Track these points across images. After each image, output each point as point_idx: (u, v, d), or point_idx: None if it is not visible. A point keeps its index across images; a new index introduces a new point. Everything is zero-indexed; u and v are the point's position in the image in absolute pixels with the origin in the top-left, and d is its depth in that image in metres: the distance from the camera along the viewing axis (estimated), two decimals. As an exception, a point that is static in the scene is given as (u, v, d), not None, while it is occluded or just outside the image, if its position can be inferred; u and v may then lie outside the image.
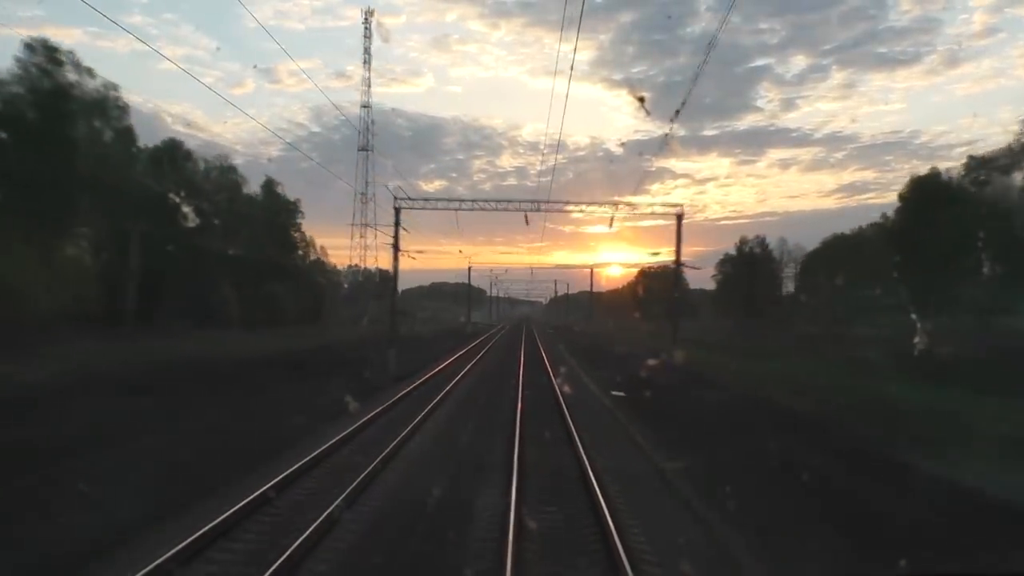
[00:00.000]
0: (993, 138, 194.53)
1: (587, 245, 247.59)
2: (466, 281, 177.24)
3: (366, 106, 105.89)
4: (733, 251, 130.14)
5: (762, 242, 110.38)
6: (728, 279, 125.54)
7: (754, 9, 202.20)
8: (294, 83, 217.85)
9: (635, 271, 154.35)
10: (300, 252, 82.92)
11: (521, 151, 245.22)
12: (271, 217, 69.00)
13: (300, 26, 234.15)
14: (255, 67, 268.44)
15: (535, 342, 55.62)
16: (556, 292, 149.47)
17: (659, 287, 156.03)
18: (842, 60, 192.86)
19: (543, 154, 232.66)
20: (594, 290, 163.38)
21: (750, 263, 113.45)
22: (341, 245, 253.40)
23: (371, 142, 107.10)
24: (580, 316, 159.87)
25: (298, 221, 77.61)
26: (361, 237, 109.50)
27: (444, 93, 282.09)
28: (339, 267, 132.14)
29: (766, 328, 75.00)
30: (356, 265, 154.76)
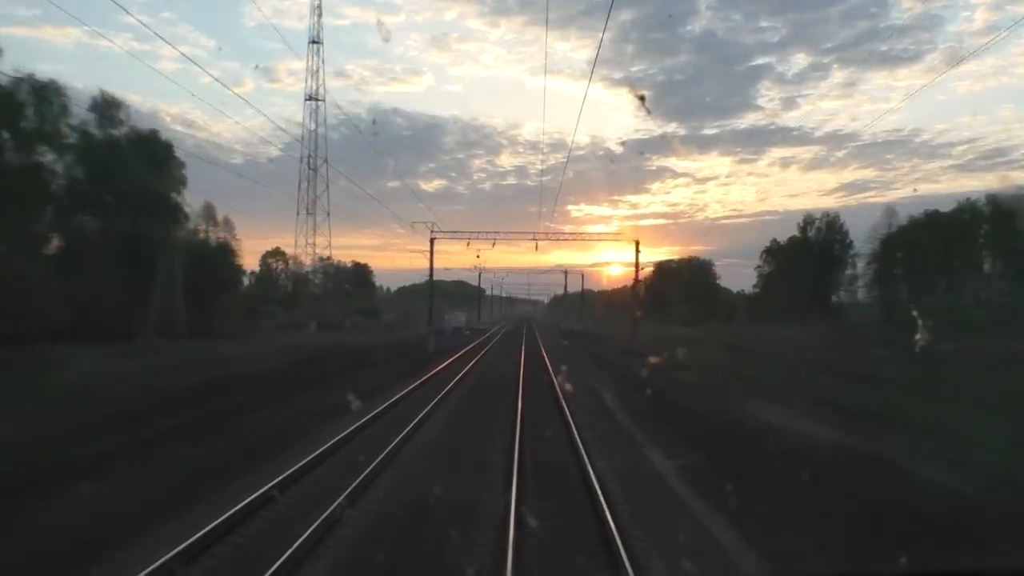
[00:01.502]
0: (993, 136, 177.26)
1: (587, 245, 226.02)
2: (467, 282, 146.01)
3: (316, 42, 76.78)
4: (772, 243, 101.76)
5: (832, 222, 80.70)
6: (777, 274, 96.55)
7: (755, 8, 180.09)
8: (293, 82, 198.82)
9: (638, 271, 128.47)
10: (201, 229, 53.84)
11: (521, 150, 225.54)
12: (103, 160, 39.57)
13: (299, 25, 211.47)
14: (256, 67, 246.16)
15: (556, 402, 19.83)
16: (566, 288, 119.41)
17: (673, 284, 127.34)
18: (843, 58, 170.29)
19: (543, 153, 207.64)
20: (588, 290, 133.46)
21: (815, 250, 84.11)
22: (341, 246, 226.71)
23: (322, 89, 77.85)
24: (579, 316, 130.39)
25: (176, 174, 48.37)
26: (309, 215, 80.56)
27: (443, 92, 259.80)
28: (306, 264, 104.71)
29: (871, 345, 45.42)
30: (328, 258, 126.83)
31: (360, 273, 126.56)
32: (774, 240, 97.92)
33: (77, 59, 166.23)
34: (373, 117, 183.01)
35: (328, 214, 79.03)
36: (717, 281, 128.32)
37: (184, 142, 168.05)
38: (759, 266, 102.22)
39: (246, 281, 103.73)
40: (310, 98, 75.66)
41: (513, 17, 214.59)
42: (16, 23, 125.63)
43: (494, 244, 44.33)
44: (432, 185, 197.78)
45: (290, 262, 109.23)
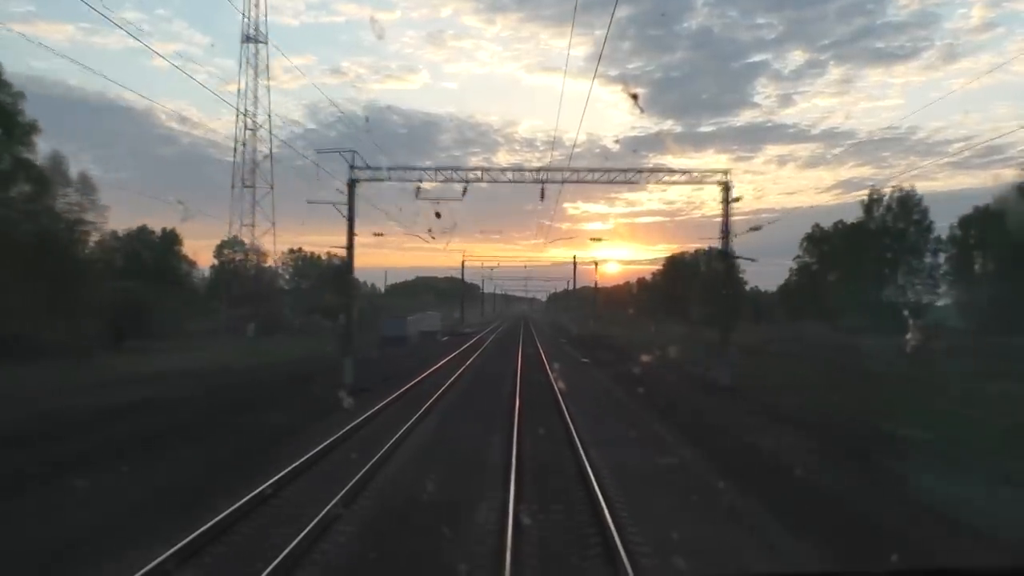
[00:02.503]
0: (988, 134, 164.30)
1: (585, 242, 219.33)
2: (463, 279, 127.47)
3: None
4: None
5: (907, 199, 61.94)
6: (823, 267, 78.64)
7: (751, 4, 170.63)
8: (289, 79, 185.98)
9: (636, 268, 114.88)
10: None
11: (517, 148, 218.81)
12: None
13: (294, 22, 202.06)
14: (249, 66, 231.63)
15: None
16: (575, 279, 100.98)
17: (688, 280, 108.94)
18: (840, 56, 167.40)
19: (540, 151, 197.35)
20: (587, 287, 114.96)
21: (880, 234, 66.06)
22: (337, 244, 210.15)
23: (264, 31, 59.43)
24: (582, 315, 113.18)
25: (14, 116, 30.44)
26: (246, 187, 62.28)
27: (439, 89, 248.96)
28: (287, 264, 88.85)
29: None
30: (299, 250, 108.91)
31: (338, 268, 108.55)
32: (816, 226, 79.80)
33: (71, 56, 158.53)
34: (367, 115, 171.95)
35: (271, 187, 60.85)
36: (741, 275, 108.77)
37: (180, 140, 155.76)
38: (798, 256, 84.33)
39: (198, 276, 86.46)
40: (248, 39, 57.53)
41: (509, 14, 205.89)
42: (10, 19, 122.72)
43: (465, 191, 26.13)
44: (429, 183, 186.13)
45: (248, 253, 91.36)
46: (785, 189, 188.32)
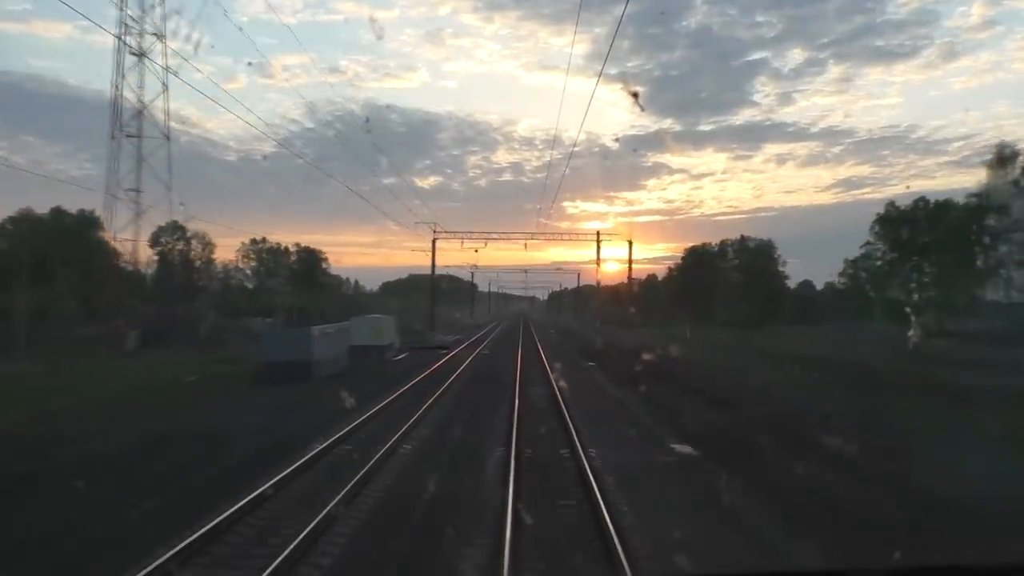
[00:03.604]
0: (988, 132, 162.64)
1: (581, 243, 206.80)
2: (459, 276, 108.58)
3: None
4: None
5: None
6: (903, 255, 60.99)
7: (750, 2, 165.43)
8: (287, 78, 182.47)
9: (637, 268, 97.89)
10: None
11: (516, 147, 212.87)
12: None
13: (292, 20, 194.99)
14: (249, 64, 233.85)
15: None
16: (598, 261, 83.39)
17: (713, 275, 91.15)
18: (839, 54, 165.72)
19: (539, 150, 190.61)
20: (588, 286, 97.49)
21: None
22: (353, 243, 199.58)
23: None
24: (590, 316, 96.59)
25: None
26: (129, 137, 44.08)
27: (438, 88, 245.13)
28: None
29: None
30: (262, 240, 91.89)
31: (308, 261, 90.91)
32: (891, 204, 62.15)
33: (68, 55, 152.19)
34: (367, 115, 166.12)
35: (168, 137, 42.93)
36: (781, 268, 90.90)
37: (178, 138, 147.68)
38: (867, 243, 66.64)
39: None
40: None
41: (507, 12, 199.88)
42: (7, 18, 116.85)
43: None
44: (428, 182, 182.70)
45: (193, 243, 74.45)
46: (784, 188, 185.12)
